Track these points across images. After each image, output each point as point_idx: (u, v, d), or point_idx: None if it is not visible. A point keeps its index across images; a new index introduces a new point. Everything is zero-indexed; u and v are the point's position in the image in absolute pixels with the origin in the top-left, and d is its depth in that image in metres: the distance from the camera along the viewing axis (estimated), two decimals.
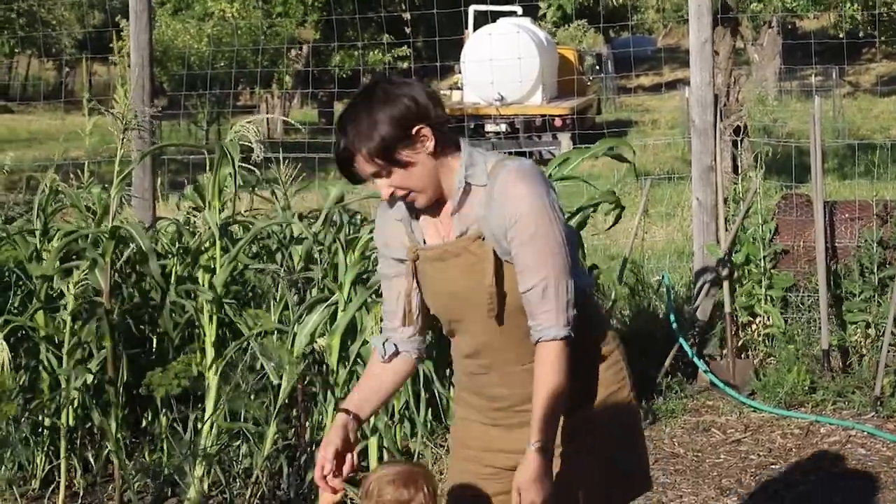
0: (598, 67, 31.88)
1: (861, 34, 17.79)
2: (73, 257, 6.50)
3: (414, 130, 3.20)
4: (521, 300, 3.27)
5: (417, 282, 3.39)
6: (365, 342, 5.66)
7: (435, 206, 3.35)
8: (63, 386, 5.85)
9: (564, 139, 22.62)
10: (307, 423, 5.81)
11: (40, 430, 5.91)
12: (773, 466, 6.31)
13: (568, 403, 3.30)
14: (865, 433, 6.71)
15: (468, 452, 3.49)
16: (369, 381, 3.51)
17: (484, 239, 3.26)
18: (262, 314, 6.00)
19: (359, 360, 5.74)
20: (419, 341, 3.50)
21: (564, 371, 3.24)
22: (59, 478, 5.84)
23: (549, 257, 3.23)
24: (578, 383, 3.36)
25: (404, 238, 3.39)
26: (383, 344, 3.48)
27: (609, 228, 7.87)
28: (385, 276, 3.48)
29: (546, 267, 3.22)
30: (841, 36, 17.05)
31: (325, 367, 5.87)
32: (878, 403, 7.02)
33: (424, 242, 3.38)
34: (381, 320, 3.58)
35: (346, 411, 3.39)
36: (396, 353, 3.48)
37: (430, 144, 3.23)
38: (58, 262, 6.23)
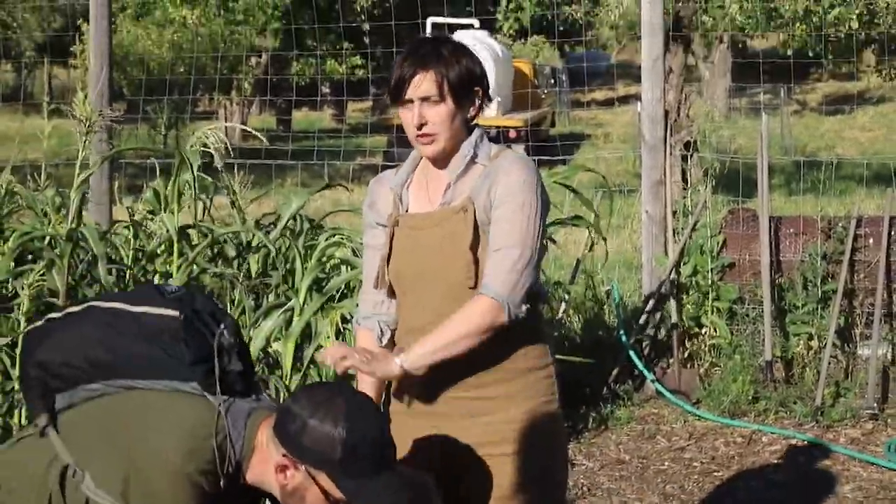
0: (552, 81, 31.98)
1: (810, 54, 17.95)
2: (29, 258, 6.48)
3: (475, 88, 3.39)
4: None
5: (390, 250, 3.43)
6: (319, 346, 5.66)
7: (428, 178, 3.45)
8: (16, 386, 5.80)
9: (518, 151, 22.64)
10: None
11: None
12: (715, 473, 6.37)
13: (494, 403, 3.37)
14: (806, 442, 6.79)
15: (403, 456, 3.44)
16: (368, 339, 3.53)
17: (466, 211, 3.32)
18: None
19: (312, 364, 5.75)
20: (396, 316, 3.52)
21: (477, 332, 3.26)
22: None
23: (524, 238, 3.29)
24: (511, 386, 3.39)
25: (390, 206, 3.47)
26: (380, 326, 3.50)
27: (590, 250, 7.98)
28: (370, 246, 3.54)
29: (519, 244, 3.28)
30: (789, 55, 17.23)
31: (278, 370, 5.87)
32: (819, 413, 7.09)
33: (406, 211, 3.45)
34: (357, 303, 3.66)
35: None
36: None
37: (473, 110, 3.41)
38: (12, 264, 6.20)
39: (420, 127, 3.33)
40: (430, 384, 3.40)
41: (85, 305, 3.26)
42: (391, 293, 3.49)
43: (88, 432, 3.11)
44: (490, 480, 3.39)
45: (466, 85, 3.35)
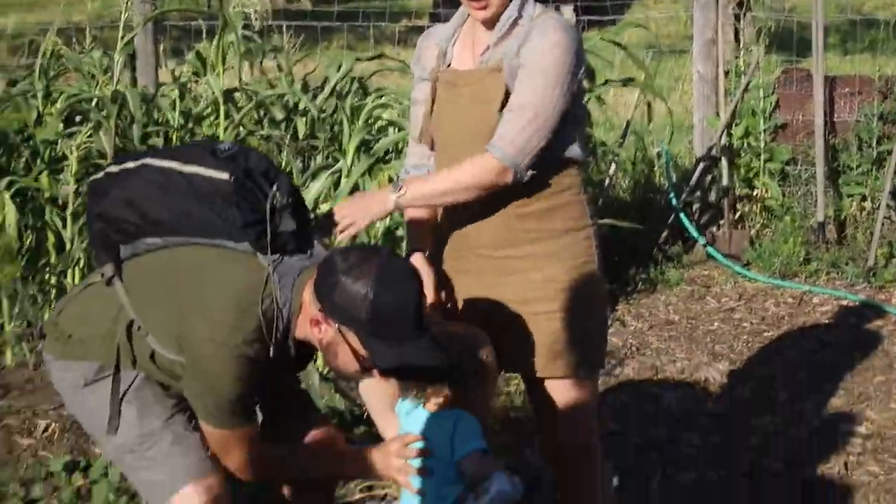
0: None
1: None
2: (77, 120, 6.50)
3: None
4: None
5: (431, 105, 3.44)
6: None
7: (475, 36, 3.42)
8: (68, 247, 5.86)
9: (567, 10, 22.35)
10: None
11: (47, 288, 5.94)
12: (765, 334, 6.37)
13: (525, 262, 3.40)
14: (858, 303, 6.77)
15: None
16: (419, 218, 3.53)
17: (500, 71, 3.30)
18: None
19: None
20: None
21: (478, 187, 3.29)
22: None
23: (541, 100, 3.26)
24: (546, 246, 3.41)
25: (434, 61, 3.47)
26: (428, 173, 3.49)
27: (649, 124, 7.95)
28: (416, 101, 3.54)
29: (534, 106, 3.26)
30: None
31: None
32: (871, 274, 7.07)
33: (446, 66, 3.45)
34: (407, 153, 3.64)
35: (420, 249, 3.46)
36: None
37: None
38: (61, 125, 6.22)
39: None
40: (457, 241, 3.46)
41: (139, 162, 3.25)
42: (433, 146, 3.51)
43: (149, 284, 3.16)
44: (530, 338, 3.42)
45: None
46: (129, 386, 3.18)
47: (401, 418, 3.17)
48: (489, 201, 3.35)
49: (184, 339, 3.02)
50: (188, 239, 3.14)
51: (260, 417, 3.26)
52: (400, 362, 2.96)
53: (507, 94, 3.30)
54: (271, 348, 3.01)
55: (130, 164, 3.25)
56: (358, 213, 3.32)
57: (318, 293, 2.97)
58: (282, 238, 3.12)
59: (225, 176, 3.12)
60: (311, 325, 3.01)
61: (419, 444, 3.06)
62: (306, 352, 3.19)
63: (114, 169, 3.30)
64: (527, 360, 3.45)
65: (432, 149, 3.51)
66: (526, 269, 3.41)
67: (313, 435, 3.37)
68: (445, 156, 3.43)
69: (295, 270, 3.08)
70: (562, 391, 3.49)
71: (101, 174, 3.33)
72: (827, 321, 6.55)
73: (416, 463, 3.05)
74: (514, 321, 3.42)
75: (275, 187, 3.15)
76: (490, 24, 3.36)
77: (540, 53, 3.27)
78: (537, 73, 3.26)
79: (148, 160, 3.25)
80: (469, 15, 3.44)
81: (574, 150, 3.40)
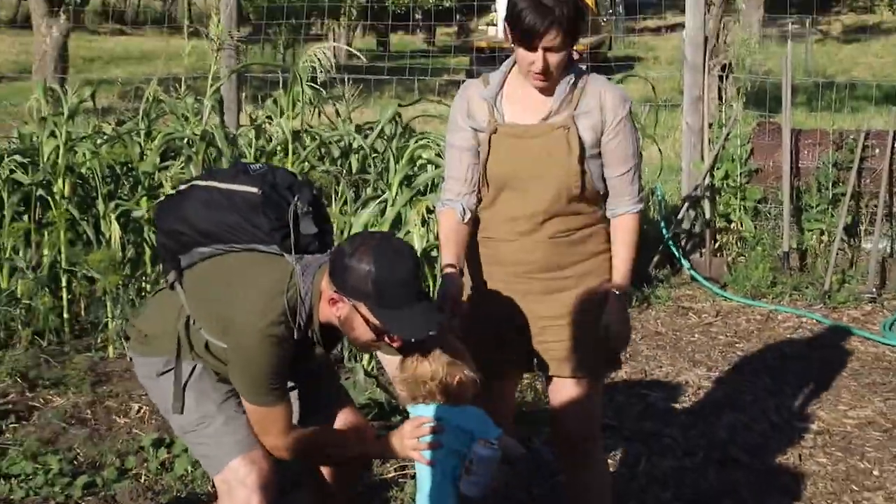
0: (611, 10, 31.39)
1: None
2: (172, 155, 6.56)
3: (581, 29, 3.33)
4: (590, 184, 3.35)
5: (488, 153, 3.39)
6: (408, 231, 5.68)
7: (522, 93, 3.38)
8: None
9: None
10: None
11: (143, 294, 5.99)
12: (737, 345, 6.35)
13: (568, 282, 3.40)
14: (815, 320, 6.74)
15: (478, 322, 3.44)
16: (457, 237, 3.46)
17: (568, 129, 3.30)
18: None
19: None
20: (475, 203, 3.49)
21: (638, 239, 3.45)
22: None
23: (634, 153, 3.39)
24: (583, 267, 3.42)
25: (487, 114, 3.39)
26: (462, 206, 3.44)
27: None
28: (458, 147, 3.45)
29: (633, 159, 3.39)
30: None
31: None
32: (827, 297, 7.04)
33: (503, 120, 3.39)
34: (442, 190, 3.56)
35: (453, 266, 3.43)
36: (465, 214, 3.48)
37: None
38: (158, 159, 6.28)
39: (541, 71, 3.26)
40: (507, 266, 3.43)
41: (189, 184, 3.33)
42: (475, 186, 3.45)
43: (200, 286, 3.23)
44: (565, 344, 3.42)
45: (578, 31, 3.26)
46: (190, 376, 3.24)
47: (417, 412, 3.18)
48: (542, 232, 3.37)
49: (226, 327, 3.08)
50: (231, 246, 3.21)
51: (297, 407, 3.31)
52: (402, 323, 2.99)
53: (582, 148, 3.31)
54: (295, 330, 3.05)
55: (183, 187, 3.33)
56: (624, 327, 3.48)
57: (332, 277, 3.02)
58: (304, 240, 3.19)
59: (254, 190, 3.19)
60: (329, 305, 3.05)
61: (429, 426, 3.08)
62: (333, 336, 3.22)
63: (171, 192, 3.40)
64: (560, 362, 3.45)
65: (475, 188, 3.45)
66: (568, 287, 3.41)
67: (344, 419, 3.41)
68: (509, 193, 3.39)
69: (316, 265, 3.13)
70: (583, 388, 3.49)
71: (162, 199, 3.40)
72: (789, 335, 6.52)
73: (427, 440, 3.08)
74: (552, 331, 3.43)
75: (296, 198, 3.21)
76: (549, 90, 3.34)
77: (619, 109, 3.33)
78: (623, 126, 3.33)
79: (196, 181, 3.34)
80: (509, 73, 3.41)
81: (603, 185, 3.43)
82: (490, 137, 3.38)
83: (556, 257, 3.39)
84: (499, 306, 3.45)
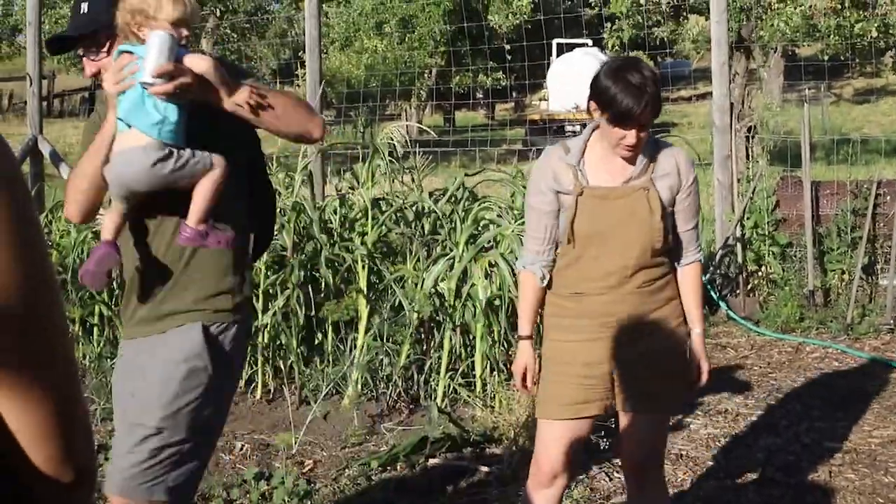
0: None
1: (842, 58, 17.30)
2: None
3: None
4: (668, 238, 3.29)
5: (575, 213, 3.27)
6: (473, 285, 5.67)
7: (603, 159, 3.29)
8: (259, 315, 5.96)
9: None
10: (431, 343, 5.86)
11: None
12: (770, 375, 6.24)
13: (650, 326, 3.29)
14: (839, 351, 6.61)
15: (565, 367, 3.33)
16: (533, 304, 3.41)
17: (648, 191, 3.24)
18: (401, 266, 6.06)
19: (469, 297, 5.73)
20: (552, 261, 3.39)
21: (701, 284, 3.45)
22: (257, 380, 5.98)
23: (699, 209, 3.42)
24: (661, 312, 3.32)
25: (572, 178, 3.28)
26: (541, 271, 3.36)
27: None
28: (539, 210, 3.33)
29: (698, 214, 3.41)
30: (827, 59, 16.66)
31: (444, 302, 5.91)
32: (849, 329, 6.91)
33: (588, 183, 3.29)
34: (525, 250, 3.42)
35: (530, 337, 3.36)
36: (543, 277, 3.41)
37: None
38: None
39: (633, 146, 3.20)
40: (594, 320, 3.30)
41: None
42: (554, 244, 3.35)
43: None
44: (648, 385, 3.31)
45: (661, 105, 3.18)
46: None
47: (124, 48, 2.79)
48: (630, 284, 3.27)
49: None
50: None
51: None
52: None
53: (663, 207, 3.26)
54: None
55: None
56: (706, 361, 3.44)
57: None
58: None
59: None
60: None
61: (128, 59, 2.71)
62: None
63: None
64: (644, 400, 3.33)
65: (554, 248, 3.35)
66: (650, 331, 3.30)
67: None
68: (594, 251, 3.28)
69: None
70: (659, 422, 3.41)
71: None
72: (817, 365, 6.40)
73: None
74: (637, 372, 3.31)
75: None
76: (633, 158, 3.28)
77: (691, 172, 3.32)
78: (694, 186, 3.33)
79: None
80: (588, 141, 3.33)
81: (675, 238, 3.39)
82: (577, 199, 3.27)
83: (642, 306, 3.29)
84: (586, 353, 3.33)
